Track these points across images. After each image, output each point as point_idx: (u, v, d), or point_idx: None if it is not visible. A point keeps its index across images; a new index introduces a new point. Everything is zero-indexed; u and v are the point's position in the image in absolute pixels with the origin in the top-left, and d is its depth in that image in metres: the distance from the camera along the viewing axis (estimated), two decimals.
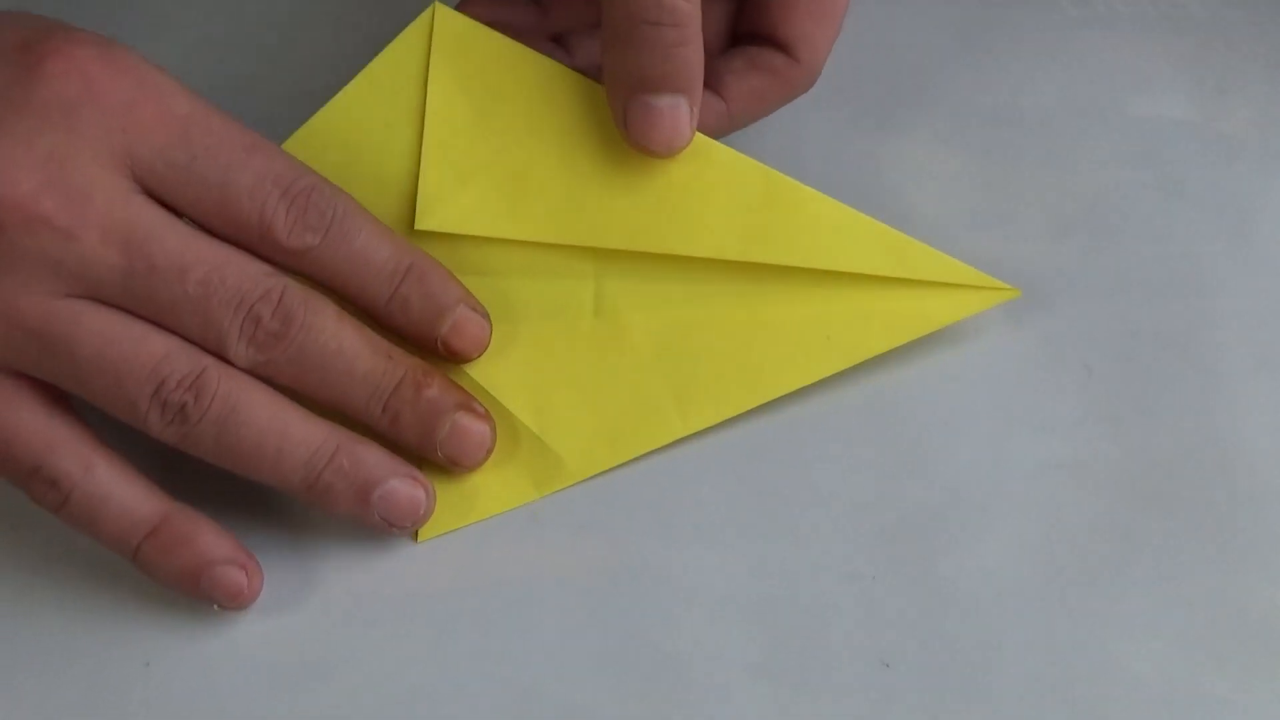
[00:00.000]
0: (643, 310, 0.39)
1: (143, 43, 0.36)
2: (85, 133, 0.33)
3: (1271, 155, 0.45)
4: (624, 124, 0.37)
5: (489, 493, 0.38)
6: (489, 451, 0.37)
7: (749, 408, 0.39)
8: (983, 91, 0.47)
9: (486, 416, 0.37)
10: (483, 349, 0.37)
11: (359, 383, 0.36)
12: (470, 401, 0.37)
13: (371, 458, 0.36)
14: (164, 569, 0.35)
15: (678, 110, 0.37)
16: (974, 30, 0.48)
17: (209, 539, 0.35)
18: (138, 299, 0.34)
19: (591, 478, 0.38)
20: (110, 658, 0.35)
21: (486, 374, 0.38)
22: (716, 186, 0.38)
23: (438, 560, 0.37)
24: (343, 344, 0.35)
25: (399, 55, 0.39)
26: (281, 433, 0.35)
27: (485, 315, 0.37)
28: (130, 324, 0.34)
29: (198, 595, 0.35)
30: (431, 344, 0.37)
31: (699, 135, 0.38)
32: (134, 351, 0.34)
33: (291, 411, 0.35)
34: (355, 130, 0.39)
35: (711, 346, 0.39)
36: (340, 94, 0.39)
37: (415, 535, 0.37)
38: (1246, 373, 0.40)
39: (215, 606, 0.35)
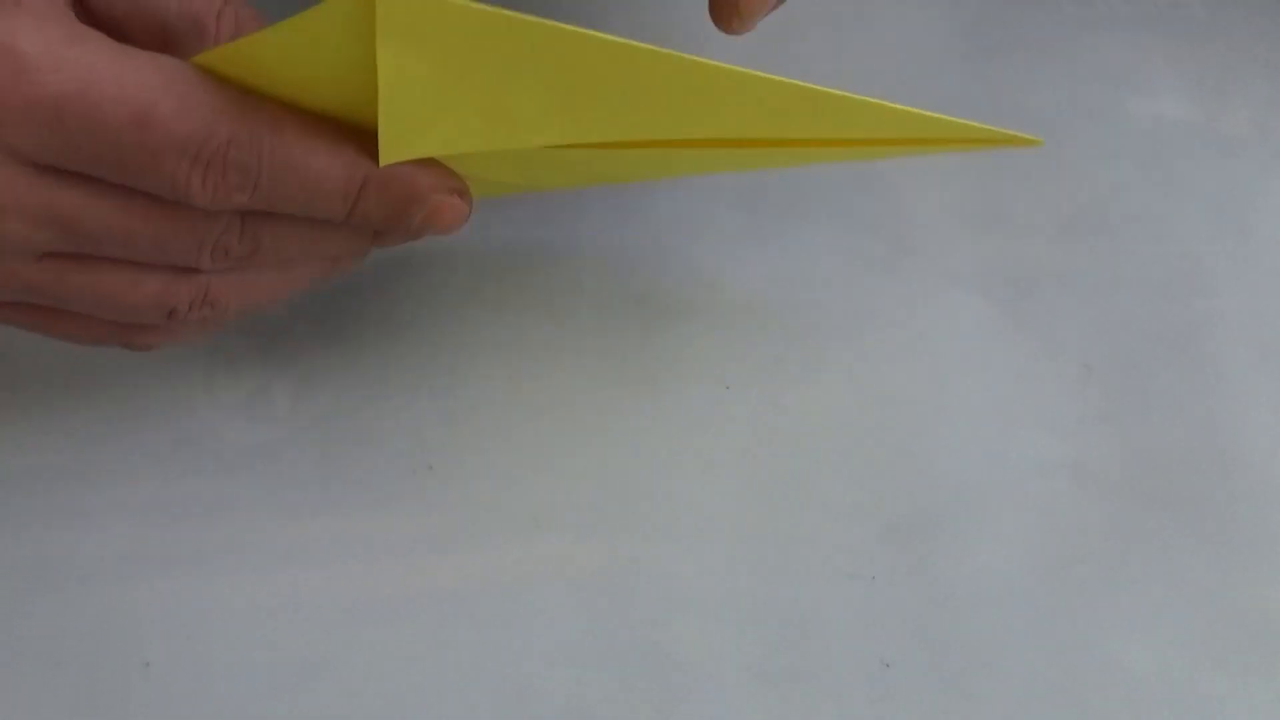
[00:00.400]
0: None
1: None
2: None
3: (1271, 155, 0.45)
4: None
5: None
6: (465, 218, 0.35)
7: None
8: (983, 91, 0.47)
9: (465, 192, 0.35)
10: (462, 222, 0.35)
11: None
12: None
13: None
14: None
15: None
16: (974, 30, 0.48)
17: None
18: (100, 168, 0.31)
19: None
20: (110, 658, 0.35)
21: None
22: (721, 92, 0.33)
23: (438, 560, 0.37)
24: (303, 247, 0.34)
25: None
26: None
27: (464, 193, 0.35)
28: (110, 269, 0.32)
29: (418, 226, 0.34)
30: (405, 233, 0.35)
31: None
32: (133, 284, 0.33)
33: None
34: (292, 62, 0.33)
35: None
36: (274, 28, 0.32)
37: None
38: (1246, 372, 0.40)
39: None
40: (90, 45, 0.30)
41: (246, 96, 0.32)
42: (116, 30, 0.32)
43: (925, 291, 0.42)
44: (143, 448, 0.38)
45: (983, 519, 0.37)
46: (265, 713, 0.34)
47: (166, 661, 0.35)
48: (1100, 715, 0.34)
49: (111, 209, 0.31)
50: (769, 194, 0.43)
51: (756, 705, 0.34)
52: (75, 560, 0.37)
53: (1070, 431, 0.39)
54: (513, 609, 0.36)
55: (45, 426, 0.39)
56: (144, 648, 0.35)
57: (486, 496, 0.38)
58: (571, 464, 0.39)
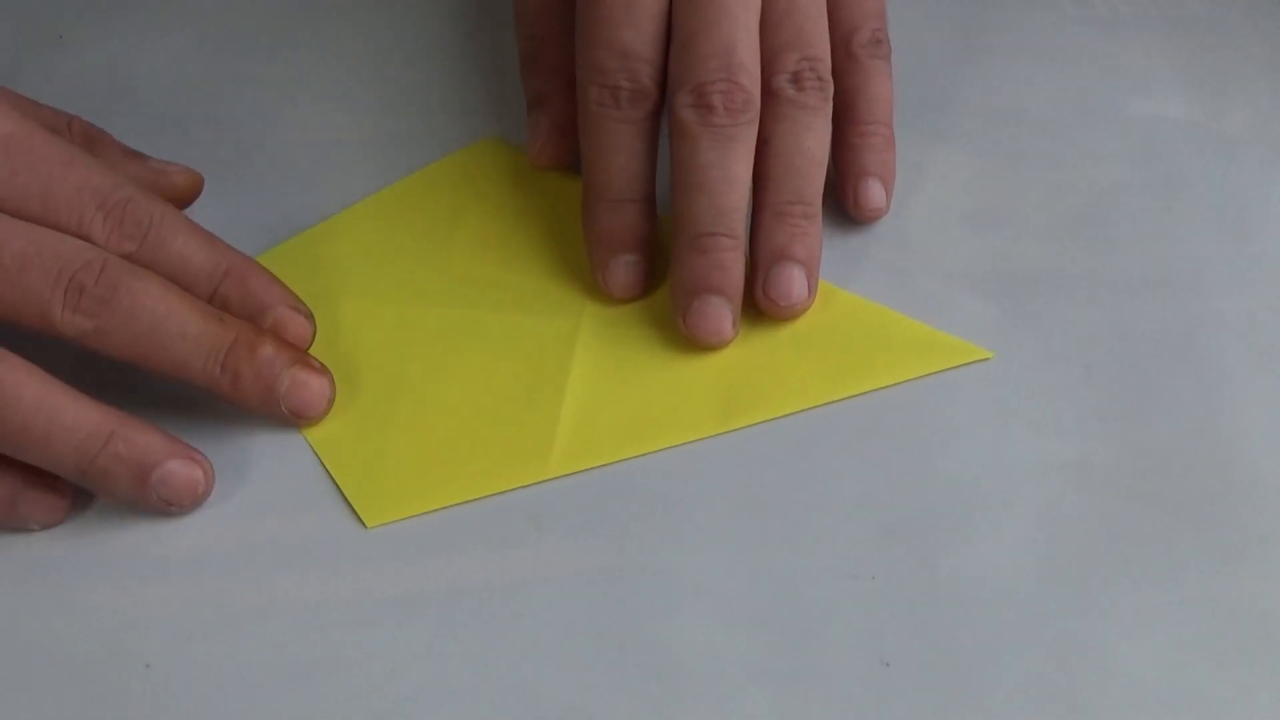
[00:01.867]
0: (623, 344, 0.41)
1: (142, 39, 0.36)
2: None
3: (1271, 155, 0.45)
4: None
5: (447, 481, 0.38)
6: (329, 403, 0.39)
7: (718, 431, 0.39)
8: (983, 91, 0.47)
9: (324, 370, 0.39)
10: (306, 345, 0.39)
11: (193, 345, 0.37)
12: (305, 357, 0.39)
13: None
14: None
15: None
16: (974, 30, 0.48)
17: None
18: None
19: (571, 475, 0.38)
20: (110, 660, 0.35)
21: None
22: None
23: (438, 560, 0.37)
24: (172, 307, 0.36)
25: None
26: (50, 417, 0.35)
27: (308, 314, 0.39)
28: None
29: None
30: (253, 339, 0.38)
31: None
32: None
33: (62, 396, 0.36)
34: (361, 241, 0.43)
35: (687, 373, 0.40)
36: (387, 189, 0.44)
37: (365, 522, 0.38)
38: (1246, 372, 0.40)
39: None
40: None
41: None
42: None
43: (925, 291, 0.42)
44: None
45: (983, 519, 0.37)
46: (265, 713, 0.34)
47: (166, 662, 0.35)
48: (1100, 715, 0.34)
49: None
50: None
51: (756, 705, 0.34)
52: (75, 560, 0.37)
53: (1070, 431, 0.39)
54: (513, 609, 0.36)
55: None
56: (144, 648, 0.35)
57: (487, 497, 0.38)
58: None
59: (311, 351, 0.39)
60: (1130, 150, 0.46)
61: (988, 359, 0.40)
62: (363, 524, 0.37)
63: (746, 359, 0.40)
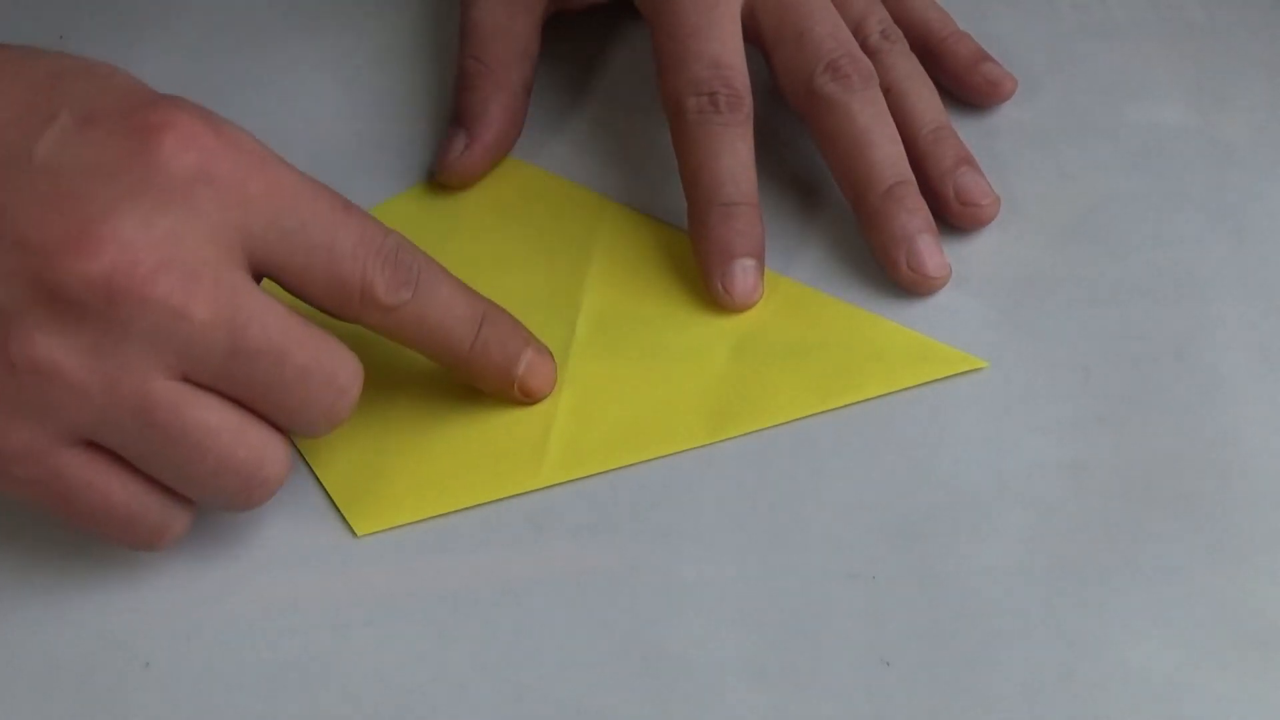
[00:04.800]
0: (616, 354, 0.41)
1: (143, 39, 0.36)
2: (203, 209, 0.33)
3: (1269, 161, 0.46)
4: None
5: (443, 489, 0.38)
6: (552, 387, 0.40)
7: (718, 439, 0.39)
8: None
9: (550, 355, 0.40)
10: (552, 387, 0.40)
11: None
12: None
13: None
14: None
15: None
16: (974, 36, 0.48)
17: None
18: (236, 381, 0.33)
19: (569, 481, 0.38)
20: (110, 659, 0.35)
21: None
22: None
23: (438, 560, 0.37)
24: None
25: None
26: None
27: (550, 355, 0.40)
28: (227, 414, 0.34)
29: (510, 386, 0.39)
30: (509, 385, 0.39)
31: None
32: (232, 447, 0.34)
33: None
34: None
35: (686, 381, 0.40)
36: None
37: (355, 529, 0.38)
38: (1244, 375, 0.40)
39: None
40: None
41: None
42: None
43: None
44: None
45: (983, 520, 0.37)
46: (265, 713, 0.34)
47: (166, 662, 0.35)
48: (1100, 715, 0.34)
49: (280, 322, 0.34)
50: (770, 196, 0.43)
51: (756, 705, 0.34)
52: (76, 561, 0.37)
53: (1069, 433, 0.39)
54: (513, 609, 0.36)
55: None
56: (144, 648, 0.35)
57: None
58: None
59: None
60: (1129, 156, 0.46)
61: (983, 368, 0.40)
62: (353, 533, 0.38)
63: (741, 368, 0.40)
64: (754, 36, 0.44)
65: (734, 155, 0.42)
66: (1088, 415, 0.39)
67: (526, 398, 0.39)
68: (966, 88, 0.47)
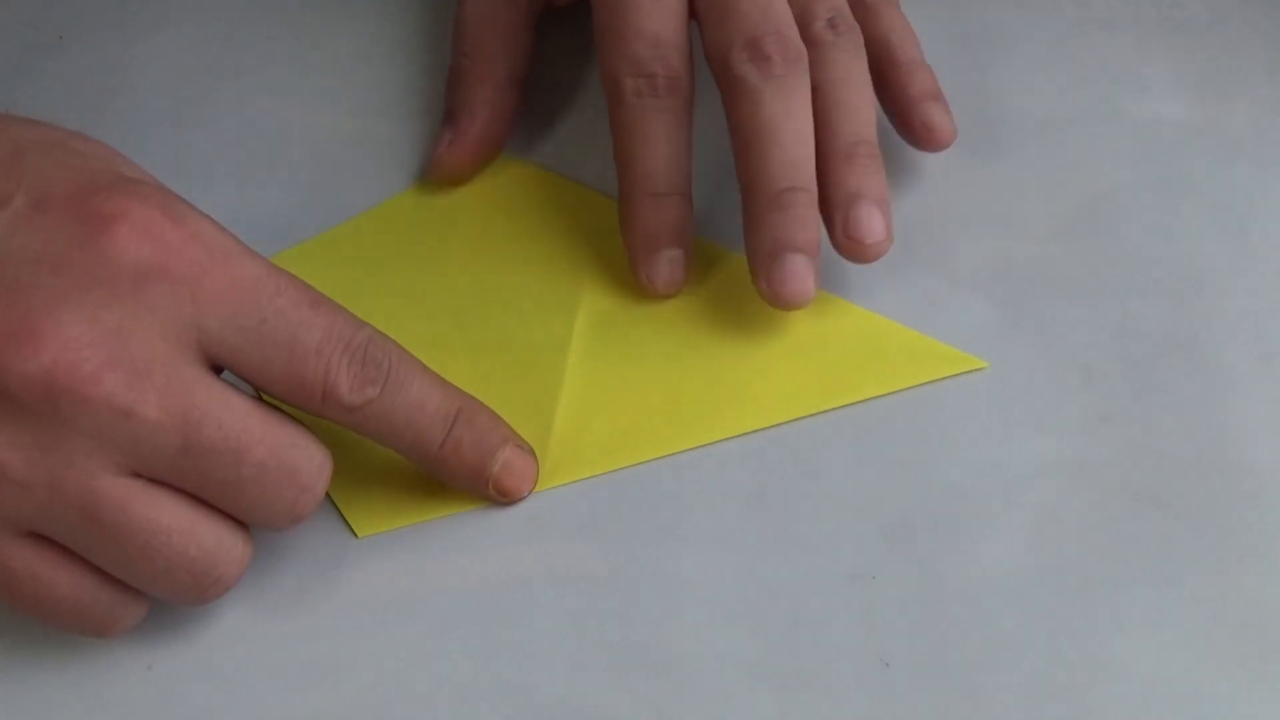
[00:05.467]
0: (616, 355, 0.41)
1: (142, 39, 0.36)
2: (154, 305, 0.32)
3: (1271, 156, 0.45)
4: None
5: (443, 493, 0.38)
6: (532, 485, 0.38)
7: (719, 437, 0.39)
8: (983, 92, 0.47)
9: (531, 452, 0.38)
10: (531, 486, 0.38)
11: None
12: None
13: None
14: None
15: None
16: (974, 31, 0.48)
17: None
18: (189, 478, 0.32)
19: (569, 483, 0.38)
20: (112, 661, 0.35)
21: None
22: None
23: (438, 561, 0.37)
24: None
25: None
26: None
27: (531, 452, 0.38)
28: (179, 511, 0.32)
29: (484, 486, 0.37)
30: (483, 483, 0.37)
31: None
32: (183, 546, 0.33)
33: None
34: (362, 251, 0.43)
35: (687, 379, 0.40)
36: (350, 221, 0.44)
37: (355, 530, 0.38)
38: (1246, 372, 0.40)
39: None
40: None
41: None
42: None
43: (925, 293, 0.42)
44: None
45: (983, 519, 0.37)
46: (265, 713, 0.34)
47: (167, 662, 0.35)
48: (1100, 715, 0.34)
49: (237, 418, 0.32)
50: None
51: (756, 705, 0.34)
52: None
53: (1070, 432, 0.39)
54: (513, 609, 0.36)
55: None
56: (145, 649, 0.35)
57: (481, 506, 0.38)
58: None
59: None
60: (1129, 151, 0.46)
61: (983, 368, 0.40)
62: (354, 534, 0.38)
63: (741, 368, 0.40)
64: (692, 10, 0.41)
65: (670, 143, 0.40)
66: (1088, 414, 0.39)
67: (503, 497, 0.37)
68: (902, 125, 0.43)
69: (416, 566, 0.37)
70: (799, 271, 0.39)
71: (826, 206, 0.40)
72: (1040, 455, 0.38)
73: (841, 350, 0.40)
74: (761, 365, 0.40)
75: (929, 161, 0.45)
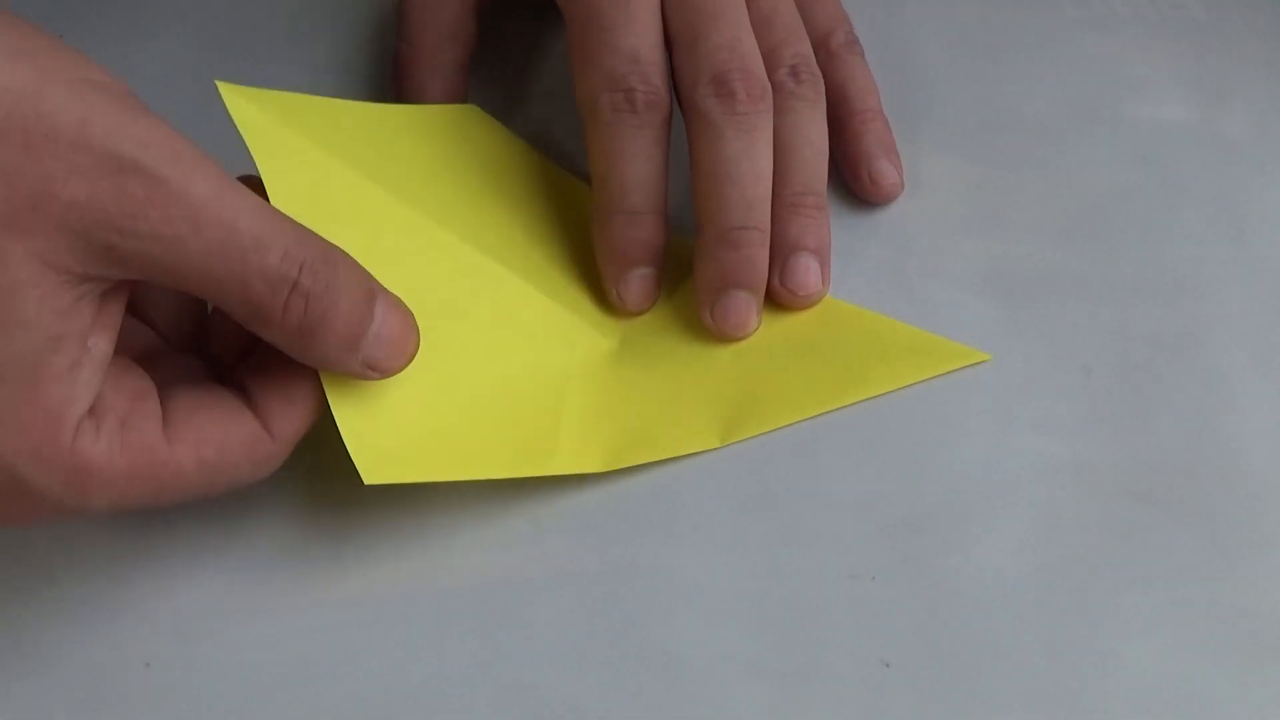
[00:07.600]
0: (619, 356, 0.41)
1: (142, 39, 0.36)
2: None
3: (1271, 158, 0.45)
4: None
5: (462, 455, 0.37)
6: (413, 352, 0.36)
7: (724, 443, 0.39)
8: (982, 94, 0.47)
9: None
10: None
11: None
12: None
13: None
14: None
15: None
16: (973, 32, 0.48)
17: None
18: None
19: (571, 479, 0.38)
20: (110, 659, 0.35)
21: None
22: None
23: (437, 560, 0.37)
24: None
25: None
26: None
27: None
28: None
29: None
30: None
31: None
32: None
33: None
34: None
35: (698, 384, 0.40)
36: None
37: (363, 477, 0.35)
38: (1245, 374, 0.40)
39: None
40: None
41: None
42: None
43: (925, 294, 0.42)
44: None
45: (983, 519, 0.37)
46: (265, 713, 0.34)
47: (166, 662, 0.35)
48: (1100, 715, 0.34)
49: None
50: None
51: (756, 705, 0.34)
52: (76, 560, 0.37)
53: (1070, 433, 0.39)
54: (513, 609, 0.36)
55: None
56: (144, 648, 0.35)
57: (487, 497, 0.38)
58: None
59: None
60: (1129, 153, 0.46)
61: (986, 361, 0.40)
62: (360, 479, 0.35)
63: (745, 371, 0.40)
64: (665, 36, 0.41)
65: (647, 161, 0.40)
66: (1088, 415, 0.39)
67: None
68: (851, 176, 0.44)
69: (416, 565, 0.37)
70: (741, 308, 0.40)
71: (770, 251, 0.41)
72: (1040, 456, 0.38)
73: (844, 349, 0.40)
74: (768, 368, 0.40)
75: (929, 163, 0.45)
